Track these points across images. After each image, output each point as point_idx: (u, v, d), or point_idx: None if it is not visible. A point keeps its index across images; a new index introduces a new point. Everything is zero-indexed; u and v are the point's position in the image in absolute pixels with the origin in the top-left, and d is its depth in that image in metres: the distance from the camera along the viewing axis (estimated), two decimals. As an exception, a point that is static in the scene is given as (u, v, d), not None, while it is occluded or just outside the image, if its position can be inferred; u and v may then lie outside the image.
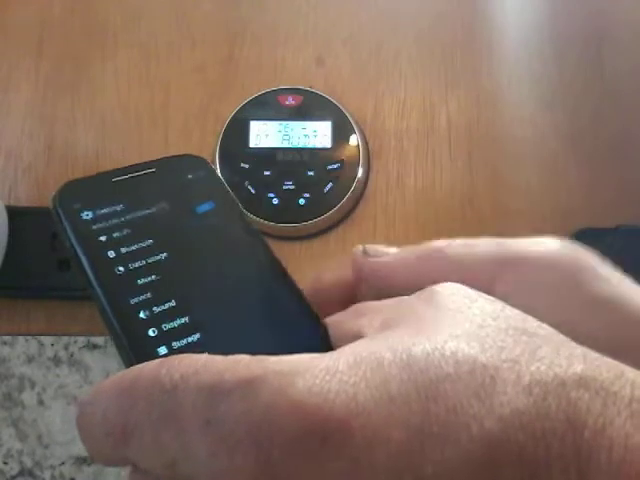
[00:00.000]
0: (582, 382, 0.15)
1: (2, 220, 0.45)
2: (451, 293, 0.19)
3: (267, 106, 0.52)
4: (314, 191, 0.49)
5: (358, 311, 0.22)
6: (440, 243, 0.24)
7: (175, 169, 0.28)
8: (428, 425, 0.15)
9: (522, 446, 0.14)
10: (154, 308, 0.23)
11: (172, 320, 0.23)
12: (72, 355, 0.46)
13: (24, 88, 0.53)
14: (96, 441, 0.18)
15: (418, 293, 0.20)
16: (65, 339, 0.46)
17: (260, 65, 0.54)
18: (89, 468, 0.44)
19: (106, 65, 0.54)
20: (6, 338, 0.46)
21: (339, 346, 0.22)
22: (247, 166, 0.50)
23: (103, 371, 0.46)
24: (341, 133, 0.51)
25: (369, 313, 0.21)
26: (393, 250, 0.25)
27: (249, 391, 0.16)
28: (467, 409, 0.15)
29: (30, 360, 0.45)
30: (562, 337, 0.17)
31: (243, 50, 0.55)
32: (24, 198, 0.50)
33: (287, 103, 0.52)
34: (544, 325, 0.17)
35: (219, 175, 0.29)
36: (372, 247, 0.25)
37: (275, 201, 0.49)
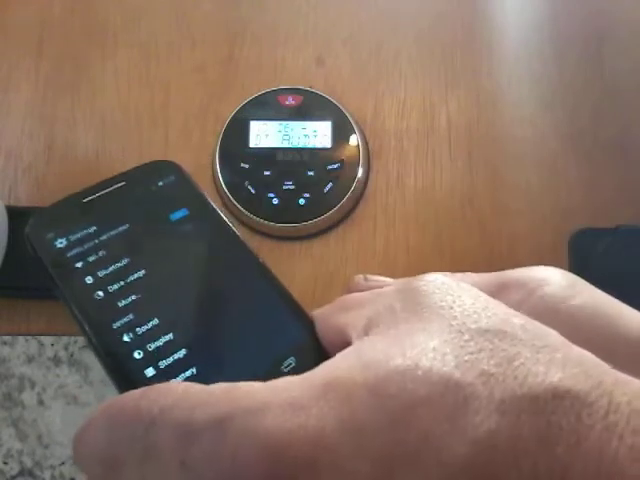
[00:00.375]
0: (557, 394, 0.14)
1: (2, 220, 0.45)
2: (433, 291, 0.18)
3: (267, 106, 0.52)
4: (314, 191, 0.49)
5: (344, 304, 0.22)
6: (439, 273, 0.25)
7: (144, 179, 0.27)
8: (398, 454, 0.15)
9: (494, 470, 0.14)
10: (137, 329, 0.22)
11: (157, 339, 0.22)
12: (72, 355, 0.46)
13: (24, 88, 0.53)
14: (90, 468, 0.18)
15: (401, 288, 0.20)
16: (65, 339, 0.46)
17: (260, 65, 0.54)
18: (89, 468, 0.44)
19: (106, 65, 0.54)
20: (6, 338, 0.46)
21: (325, 340, 0.23)
22: (247, 166, 0.50)
23: (103, 371, 0.46)
24: (341, 133, 0.51)
25: (354, 307, 0.21)
26: (389, 280, 0.26)
27: (217, 432, 0.16)
28: (438, 434, 0.14)
29: (30, 360, 0.45)
30: (545, 336, 0.17)
31: (243, 50, 0.55)
32: (24, 198, 0.50)
33: (287, 103, 0.52)
34: (528, 323, 0.17)
35: (190, 177, 0.28)
36: (372, 276, 0.26)
37: (275, 201, 0.49)
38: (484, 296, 0.18)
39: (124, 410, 0.18)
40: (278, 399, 0.16)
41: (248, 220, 0.49)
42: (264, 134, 0.51)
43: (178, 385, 0.18)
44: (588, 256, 0.46)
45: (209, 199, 0.27)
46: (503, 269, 0.24)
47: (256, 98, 0.52)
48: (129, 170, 0.28)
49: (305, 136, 0.51)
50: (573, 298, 0.21)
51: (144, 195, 0.27)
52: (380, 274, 0.50)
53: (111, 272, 0.24)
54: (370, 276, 0.26)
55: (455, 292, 0.18)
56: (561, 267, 0.23)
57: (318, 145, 0.51)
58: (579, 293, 0.21)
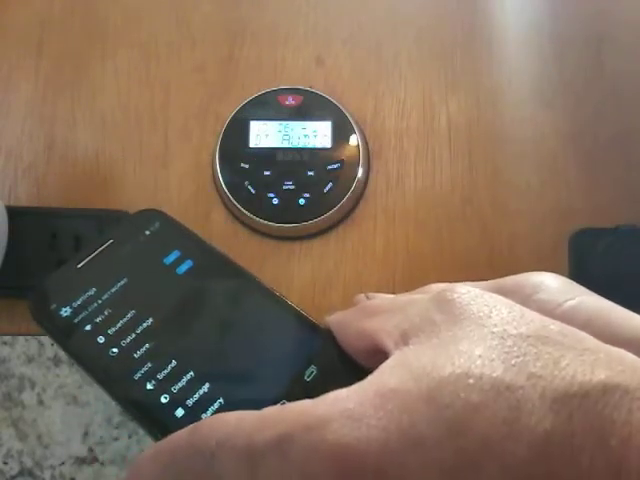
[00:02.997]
0: (607, 390, 0.15)
1: (2, 220, 0.45)
2: (469, 302, 0.19)
3: (267, 106, 0.52)
4: (314, 191, 0.49)
5: (366, 310, 0.22)
6: (440, 284, 0.25)
7: (131, 231, 0.28)
8: (461, 462, 0.15)
9: (554, 468, 0.14)
10: (158, 375, 0.23)
11: (179, 380, 0.23)
12: (72, 355, 0.46)
13: (24, 88, 0.53)
14: None
15: (433, 298, 0.20)
16: (65, 339, 0.46)
17: (260, 65, 0.54)
18: (89, 468, 0.44)
19: (106, 65, 0.54)
20: (6, 338, 0.46)
21: (348, 344, 0.23)
22: (247, 166, 0.50)
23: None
24: (341, 133, 0.51)
25: (380, 313, 0.21)
26: (391, 296, 0.26)
27: (280, 452, 0.16)
28: (497, 439, 0.15)
29: (30, 360, 0.45)
30: (582, 340, 0.17)
31: (243, 50, 0.55)
32: (24, 198, 0.50)
33: (287, 103, 0.52)
34: (564, 329, 0.17)
35: (175, 219, 0.29)
36: (374, 294, 0.26)
37: (275, 201, 0.49)
38: (517, 305, 0.19)
39: (178, 449, 0.18)
40: (334, 413, 0.16)
41: (248, 220, 0.49)
42: (264, 134, 0.51)
43: (229, 415, 0.18)
44: (588, 256, 0.46)
45: (197, 235, 0.28)
46: (503, 269, 0.25)
47: (256, 98, 0.52)
48: (114, 227, 0.29)
49: (305, 136, 0.51)
50: (567, 302, 0.21)
51: (134, 247, 0.28)
52: (380, 274, 0.50)
53: (120, 327, 0.25)
54: (372, 294, 0.27)
55: (490, 302, 0.19)
56: (561, 267, 0.23)
57: (318, 145, 0.51)
58: (574, 297, 0.21)
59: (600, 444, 0.14)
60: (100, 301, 0.25)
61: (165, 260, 0.27)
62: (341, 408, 0.16)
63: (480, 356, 0.16)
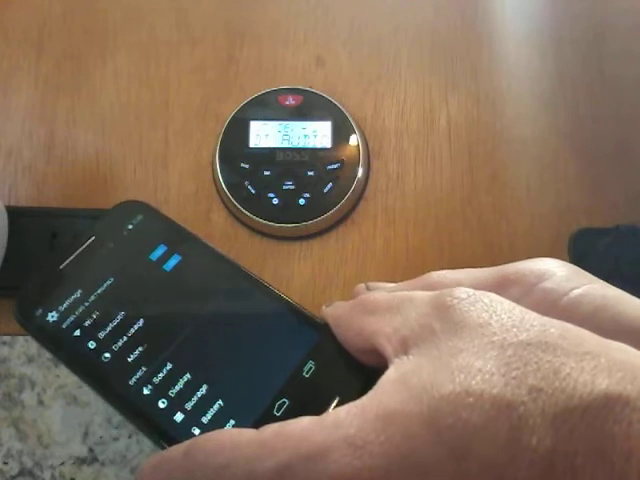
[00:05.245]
0: (607, 402, 0.14)
1: (2, 220, 0.45)
2: (468, 309, 0.18)
3: (267, 106, 0.52)
4: (314, 191, 0.49)
5: (365, 306, 0.22)
6: (440, 272, 0.24)
7: (113, 226, 0.27)
8: None
9: None
10: (154, 379, 0.22)
11: (175, 383, 0.22)
12: (72, 355, 0.46)
13: (24, 88, 0.53)
14: None
15: (433, 302, 0.19)
16: (65, 339, 0.46)
17: (260, 65, 0.54)
18: (89, 468, 0.44)
19: (106, 65, 0.54)
20: (6, 338, 0.46)
21: (346, 341, 0.22)
22: (247, 166, 0.50)
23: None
24: (341, 133, 0.51)
25: (380, 312, 0.21)
26: (392, 285, 0.25)
27: None
28: (499, 462, 0.15)
29: (30, 360, 0.45)
30: (583, 341, 0.16)
31: (243, 50, 0.55)
32: (24, 198, 0.50)
33: (287, 103, 0.52)
34: (565, 331, 0.17)
35: (158, 210, 0.28)
36: (374, 284, 0.26)
37: (275, 201, 0.49)
38: (517, 307, 0.18)
39: (174, 471, 0.18)
40: (334, 439, 0.16)
41: (248, 220, 0.49)
42: (264, 134, 0.51)
43: (224, 436, 0.17)
44: (588, 255, 0.46)
45: (182, 226, 0.27)
46: (503, 269, 0.24)
47: (256, 98, 0.52)
48: (95, 222, 0.27)
49: (305, 136, 0.51)
50: (573, 291, 0.21)
51: (118, 243, 0.26)
52: (380, 274, 0.50)
53: (111, 331, 0.23)
54: (372, 284, 0.26)
55: (490, 308, 0.18)
56: (561, 267, 0.23)
57: (318, 145, 0.51)
58: (579, 286, 0.21)
59: (602, 464, 0.14)
60: (87, 303, 0.24)
61: (151, 256, 0.26)
62: (341, 435, 0.16)
63: (480, 370, 0.16)
